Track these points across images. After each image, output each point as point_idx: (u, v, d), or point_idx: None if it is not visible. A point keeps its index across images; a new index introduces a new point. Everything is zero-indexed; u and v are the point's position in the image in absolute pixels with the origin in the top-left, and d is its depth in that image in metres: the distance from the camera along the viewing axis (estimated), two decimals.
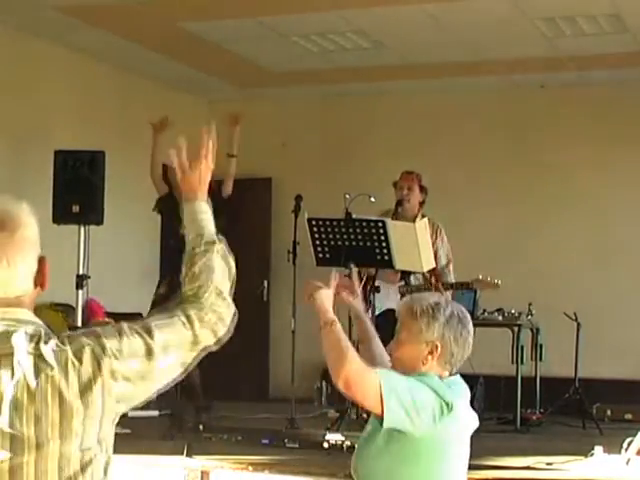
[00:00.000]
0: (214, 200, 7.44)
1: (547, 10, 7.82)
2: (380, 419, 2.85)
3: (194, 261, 2.35)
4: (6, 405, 2.00)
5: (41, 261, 2.22)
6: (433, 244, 6.95)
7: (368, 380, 2.86)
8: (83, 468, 2.06)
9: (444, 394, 2.92)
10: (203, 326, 2.24)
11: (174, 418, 6.99)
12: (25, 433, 2.00)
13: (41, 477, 2.01)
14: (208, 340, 2.25)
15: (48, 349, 2.06)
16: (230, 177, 7.24)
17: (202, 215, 2.45)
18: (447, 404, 2.91)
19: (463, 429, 2.98)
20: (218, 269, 2.35)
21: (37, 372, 2.03)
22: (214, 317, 2.26)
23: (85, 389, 2.05)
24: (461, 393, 3.03)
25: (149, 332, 2.15)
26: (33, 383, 2.02)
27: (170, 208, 7.02)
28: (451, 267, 7.30)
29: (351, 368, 2.86)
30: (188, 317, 2.23)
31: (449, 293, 7.10)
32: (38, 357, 2.04)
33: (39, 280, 2.27)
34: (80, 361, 2.06)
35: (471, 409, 3.08)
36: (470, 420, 3.02)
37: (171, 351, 2.16)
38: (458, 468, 3.01)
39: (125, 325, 2.16)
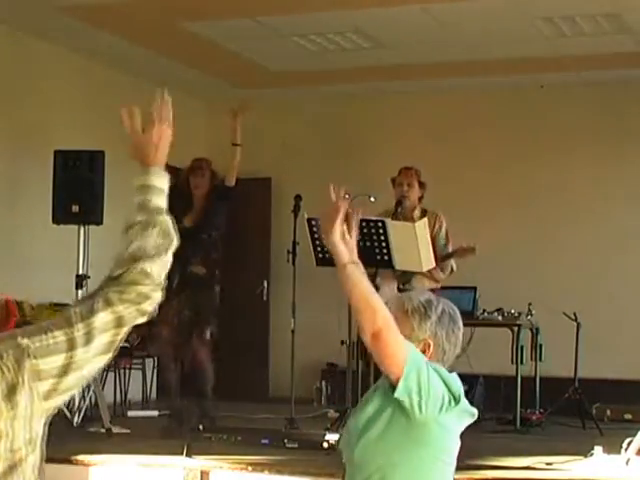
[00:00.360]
0: (219, 187, 7.44)
1: (547, 10, 7.82)
2: (393, 387, 2.81)
3: (130, 240, 2.29)
4: None
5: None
6: (432, 230, 6.96)
7: (399, 341, 2.83)
8: (12, 468, 2.05)
9: (453, 386, 2.91)
10: (125, 306, 2.18)
11: (174, 417, 7.00)
12: None
13: None
14: (133, 319, 2.19)
15: None
16: (234, 167, 7.23)
17: (151, 182, 2.39)
18: (454, 397, 2.89)
19: (460, 423, 2.97)
20: (151, 249, 2.27)
21: None
22: (136, 296, 2.20)
23: (10, 392, 2.04)
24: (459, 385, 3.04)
25: (69, 323, 2.13)
26: None
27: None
28: (450, 247, 7.33)
29: (385, 323, 2.80)
30: (107, 300, 2.18)
31: (445, 274, 7.10)
32: None
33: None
34: (3, 366, 2.04)
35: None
36: (469, 415, 3.02)
37: (94, 336, 2.13)
38: (450, 460, 3.00)
39: (46, 322, 2.14)
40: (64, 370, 2.10)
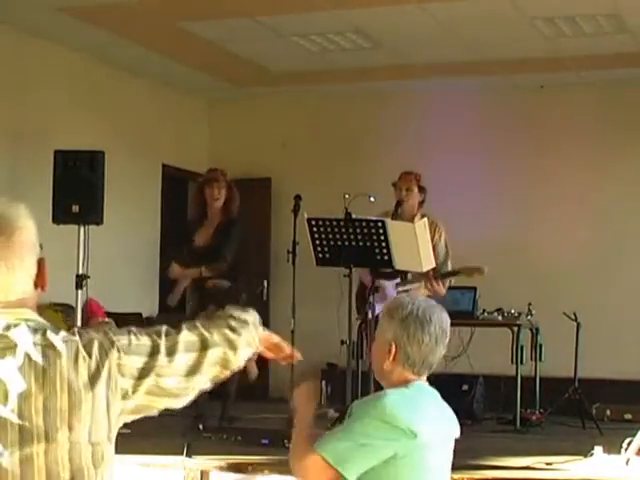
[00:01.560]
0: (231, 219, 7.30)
1: (547, 10, 7.82)
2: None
3: (220, 330, 2.35)
4: (14, 395, 2.00)
5: (40, 263, 2.24)
6: (432, 241, 6.94)
7: (308, 463, 2.88)
8: (95, 464, 2.06)
9: (402, 419, 2.86)
10: (210, 333, 2.28)
11: (198, 419, 6.95)
12: (34, 422, 2.01)
13: (52, 467, 2.02)
14: (218, 348, 2.30)
15: (58, 339, 2.08)
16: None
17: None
18: (405, 432, 2.86)
19: (432, 442, 2.92)
20: (219, 356, 2.34)
21: (46, 361, 2.04)
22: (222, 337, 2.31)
23: (93, 380, 2.07)
24: (422, 404, 2.96)
25: (157, 333, 2.20)
26: (41, 372, 2.03)
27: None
28: (449, 262, 7.29)
29: (293, 462, 2.93)
30: (194, 324, 2.28)
31: (445, 285, 7.08)
32: (46, 347, 2.06)
33: (39, 282, 2.28)
34: (89, 353, 2.08)
35: (444, 413, 3.04)
36: (440, 429, 2.98)
37: (177, 351, 2.20)
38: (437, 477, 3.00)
39: (134, 327, 2.20)
40: (144, 372, 2.14)
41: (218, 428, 6.85)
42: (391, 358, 2.98)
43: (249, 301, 7.15)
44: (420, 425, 2.87)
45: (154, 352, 2.15)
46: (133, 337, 2.15)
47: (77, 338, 2.09)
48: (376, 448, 2.85)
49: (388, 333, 3.00)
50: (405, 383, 2.99)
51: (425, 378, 3.06)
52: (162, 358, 2.16)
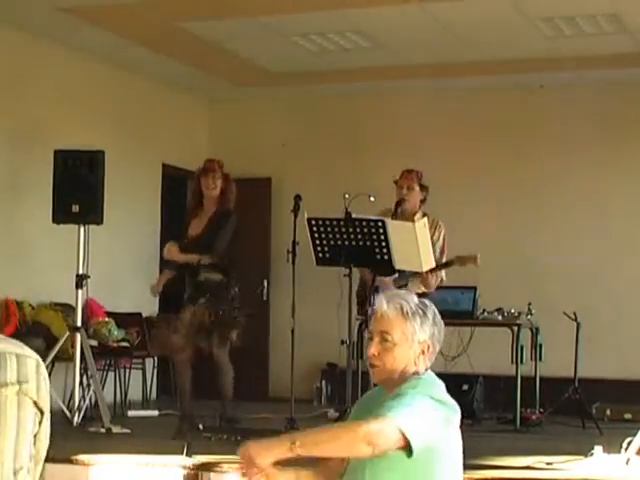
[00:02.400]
0: (223, 211, 7.32)
1: (547, 10, 7.82)
2: (406, 452, 2.81)
3: None
4: None
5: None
6: (431, 236, 6.94)
7: (387, 431, 2.79)
8: None
9: (445, 399, 2.93)
10: None
11: (185, 420, 6.96)
12: None
13: None
14: None
15: None
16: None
17: None
18: (450, 408, 2.93)
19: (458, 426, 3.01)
20: None
21: None
22: None
23: None
24: (443, 389, 3.05)
25: None
26: None
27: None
28: (443, 259, 7.29)
29: (366, 436, 2.78)
30: None
31: (435, 278, 7.07)
32: None
33: None
34: None
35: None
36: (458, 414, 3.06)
37: None
38: (459, 465, 3.04)
39: None
40: None
41: (218, 428, 6.85)
42: (427, 357, 3.02)
43: (241, 294, 7.16)
44: (454, 402, 2.96)
45: None
46: None
47: None
48: (437, 420, 2.87)
49: (422, 334, 3.01)
50: (418, 375, 3.03)
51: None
52: None
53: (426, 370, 3.06)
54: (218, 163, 7.24)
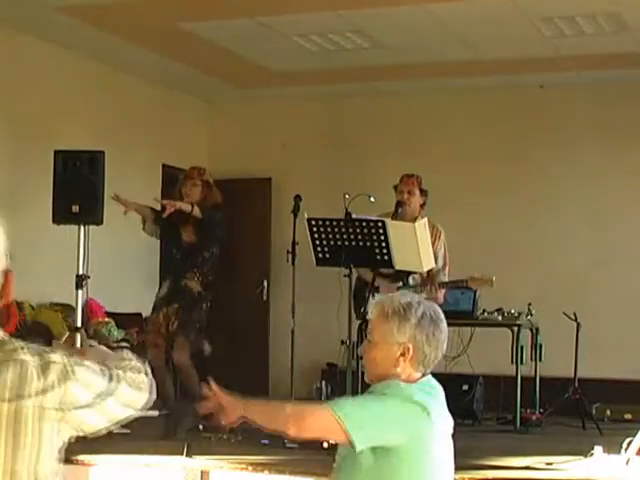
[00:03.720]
0: (209, 205, 7.30)
1: (547, 10, 7.82)
2: (351, 446, 2.80)
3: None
4: None
5: (7, 275, 2.21)
6: (432, 245, 6.93)
7: (318, 416, 2.82)
8: None
9: (417, 398, 2.86)
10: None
11: (171, 419, 6.97)
12: None
13: None
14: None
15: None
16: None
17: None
18: (423, 408, 2.85)
19: (440, 431, 2.91)
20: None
21: None
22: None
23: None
24: (433, 394, 2.96)
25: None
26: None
27: (171, 221, 7.06)
28: (447, 270, 7.28)
29: (292, 415, 2.83)
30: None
31: (442, 292, 7.09)
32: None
33: (3, 293, 2.29)
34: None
35: (445, 409, 3.01)
36: (446, 422, 2.97)
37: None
38: (443, 471, 2.97)
39: None
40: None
41: (218, 428, 6.84)
42: (407, 360, 2.94)
43: (210, 309, 7.16)
44: (433, 409, 2.87)
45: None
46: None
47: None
48: (392, 423, 2.82)
49: (401, 336, 2.93)
50: (413, 382, 2.96)
51: (430, 375, 3.04)
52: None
53: (412, 377, 2.97)
54: (199, 171, 7.25)
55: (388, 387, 2.91)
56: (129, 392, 2.18)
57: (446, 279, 7.25)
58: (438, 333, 2.97)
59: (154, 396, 2.27)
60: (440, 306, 3.12)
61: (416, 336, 2.93)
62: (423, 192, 7.34)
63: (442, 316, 3.01)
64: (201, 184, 7.14)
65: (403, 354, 2.93)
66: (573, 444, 6.38)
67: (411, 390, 2.89)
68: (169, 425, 6.85)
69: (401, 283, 7.11)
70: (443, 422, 2.93)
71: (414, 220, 7.09)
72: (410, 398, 2.85)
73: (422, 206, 7.35)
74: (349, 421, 2.77)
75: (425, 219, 6.88)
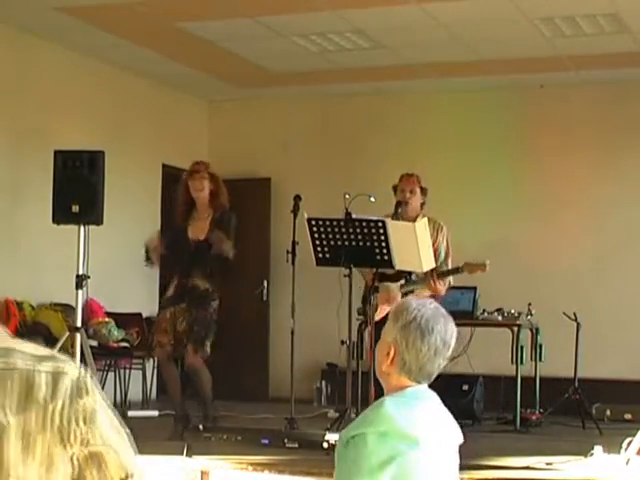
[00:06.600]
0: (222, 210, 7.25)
1: (547, 10, 7.82)
2: None
3: None
4: None
5: None
6: (434, 242, 6.93)
7: None
8: None
9: (396, 425, 2.76)
10: None
11: (179, 420, 6.95)
12: None
13: None
14: None
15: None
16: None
17: None
18: (401, 436, 2.76)
19: (429, 450, 2.80)
20: None
21: None
22: None
23: None
24: (417, 410, 2.86)
25: None
26: None
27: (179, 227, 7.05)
28: (449, 261, 7.28)
29: None
30: None
31: (444, 284, 7.06)
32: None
33: None
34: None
35: (449, 415, 2.93)
36: (438, 436, 2.88)
37: None
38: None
39: None
40: None
41: (218, 428, 6.84)
42: (389, 361, 2.91)
43: (220, 308, 7.13)
44: (417, 430, 2.80)
45: None
46: None
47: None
48: (374, 474, 2.73)
49: (389, 335, 2.91)
50: (402, 389, 2.92)
51: (426, 385, 2.97)
52: None
53: (401, 383, 2.90)
54: (204, 164, 7.22)
55: (371, 412, 2.86)
56: None
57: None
58: (420, 343, 2.87)
59: None
60: (440, 301, 3.08)
61: (398, 339, 2.89)
62: (423, 191, 7.34)
63: (435, 330, 2.87)
64: (208, 177, 7.12)
65: (387, 354, 2.92)
66: (573, 444, 6.38)
67: (389, 413, 2.79)
68: (178, 426, 6.82)
69: (404, 280, 7.11)
70: (433, 436, 2.84)
71: (414, 219, 7.09)
72: (387, 431, 2.76)
73: (422, 205, 7.35)
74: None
75: (425, 219, 6.88)
